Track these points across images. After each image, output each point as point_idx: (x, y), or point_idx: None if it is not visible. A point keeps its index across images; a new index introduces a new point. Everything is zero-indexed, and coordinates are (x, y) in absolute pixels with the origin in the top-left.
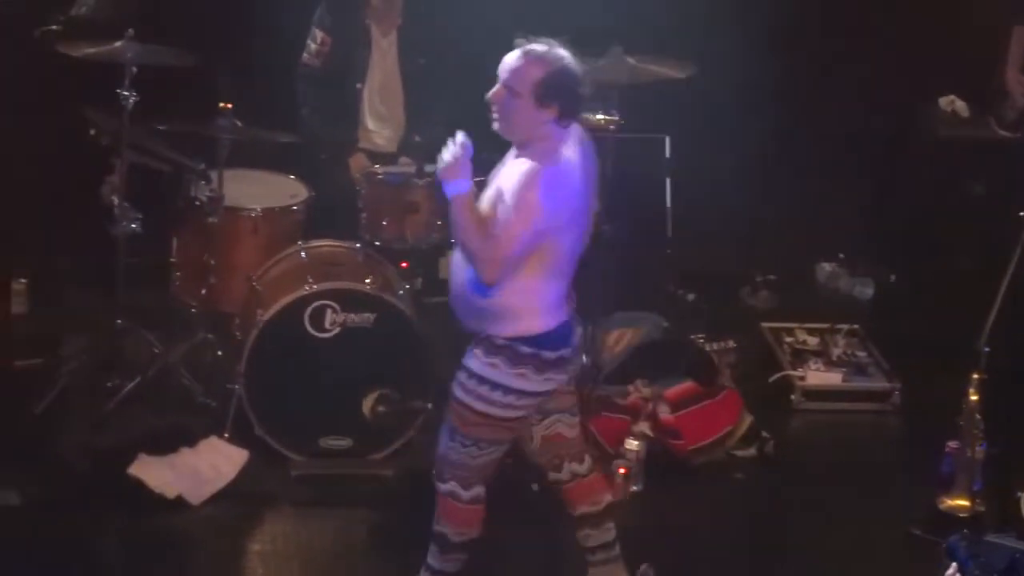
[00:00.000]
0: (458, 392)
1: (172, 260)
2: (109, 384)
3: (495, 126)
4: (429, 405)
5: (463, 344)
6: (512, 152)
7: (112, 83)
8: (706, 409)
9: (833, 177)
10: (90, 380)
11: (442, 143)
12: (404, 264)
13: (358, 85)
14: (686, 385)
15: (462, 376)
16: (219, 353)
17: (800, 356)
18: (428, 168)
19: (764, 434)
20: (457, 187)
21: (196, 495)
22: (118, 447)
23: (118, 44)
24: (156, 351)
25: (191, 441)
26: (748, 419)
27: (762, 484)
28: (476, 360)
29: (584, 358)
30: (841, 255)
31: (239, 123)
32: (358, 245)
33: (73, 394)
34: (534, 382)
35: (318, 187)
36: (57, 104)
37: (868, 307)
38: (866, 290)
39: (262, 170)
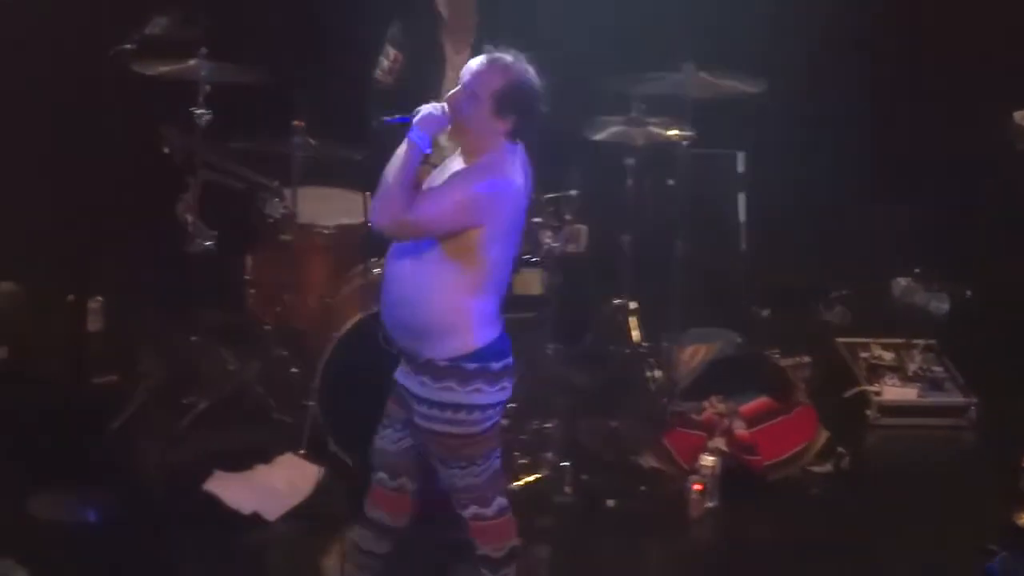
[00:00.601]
0: (427, 424)
1: (246, 277)
2: (185, 401)
3: (419, 136)
4: (504, 421)
5: (533, 360)
6: (455, 159)
7: (186, 101)
8: (782, 425)
9: (908, 191)
10: (166, 397)
11: None
12: None
13: (431, 102)
14: (761, 401)
15: (422, 408)
16: (293, 370)
17: (876, 371)
18: None
19: (840, 450)
20: (423, 138)
21: (271, 511)
22: (194, 464)
23: (192, 63)
24: (231, 368)
25: (266, 458)
26: (824, 435)
27: (838, 500)
28: (427, 388)
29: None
30: (917, 270)
31: (312, 140)
32: None
33: (149, 411)
34: (491, 394)
35: None
36: (131, 123)
37: (944, 322)
38: (942, 305)
39: (335, 187)
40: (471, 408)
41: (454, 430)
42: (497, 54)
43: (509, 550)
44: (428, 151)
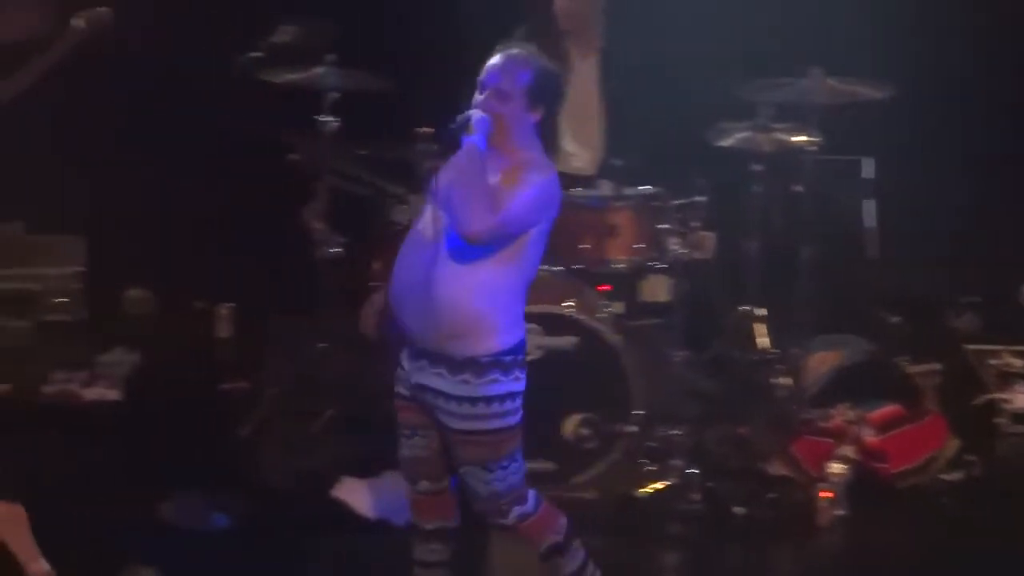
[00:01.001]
0: (468, 425)
1: (374, 284)
2: (313, 408)
3: (477, 139)
4: (631, 428)
5: (666, 367)
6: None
7: (313, 109)
8: (911, 432)
9: None
10: (294, 403)
11: (642, 167)
12: (604, 287)
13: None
14: (890, 408)
15: (463, 408)
16: None
17: (1006, 379)
18: (628, 191)
19: (970, 458)
20: (481, 140)
21: (399, 518)
22: (322, 470)
23: (318, 70)
24: (360, 374)
25: (395, 464)
26: (955, 443)
27: (968, 509)
28: (469, 386)
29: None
30: None
31: (438, 147)
32: (558, 268)
33: (277, 417)
34: (523, 381)
35: None
36: (259, 131)
37: None
38: None
39: None
40: (514, 396)
41: (501, 424)
42: (514, 50)
43: (566, 530)
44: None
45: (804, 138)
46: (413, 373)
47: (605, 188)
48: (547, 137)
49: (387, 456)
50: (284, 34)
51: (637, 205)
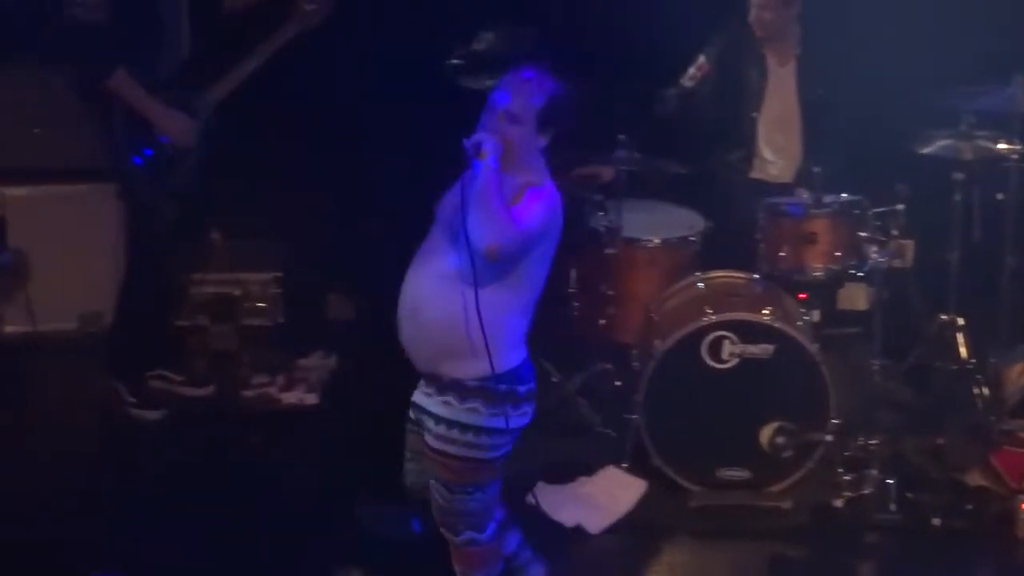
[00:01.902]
0: (442, 447)
1: (571, 291)
2: None
3: (490, 161)
4: (828, 437)
5: (863, 376)
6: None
7: None
8: None
9: None
10: None
11: (841, 173)
12: (802, 295)
13: (753, 114)
14: None
15: (440, 429)
16: (617, 383)
17: None
18: (827, 199)
19: None
20: (494, 160)
21: (594, 524)
22: (517, 475)
23: None
24: (555, 380)
25: (589, 470)
26: None
27: None
28: (451, 408)
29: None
30: None
31: (636, 154)
32: (756, 276)
33: None
34: (514, 418)
35: (716, 218)
36: (460, 137)
37: None
38: None
39: (660, 200)
40: (491, 432)
41: (471, 454)
42: (529, 73)
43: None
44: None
45: (1007, 146)
46: (415, 394)
47: (803, 196)
48: (747, 145)
49: (582, 463)
50: (484, 41)
51: (836, 213)
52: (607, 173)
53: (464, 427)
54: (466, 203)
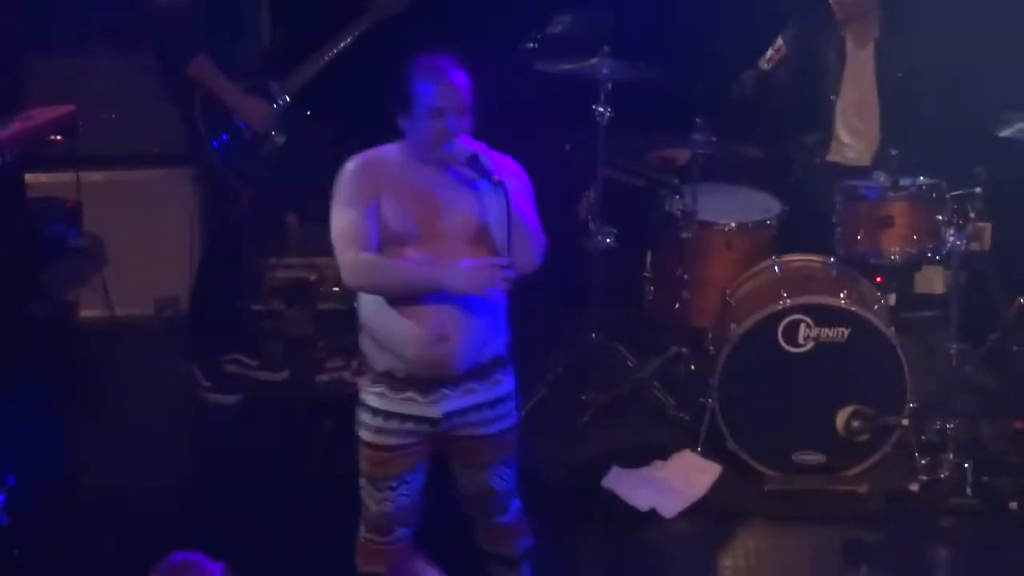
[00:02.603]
0: (503, 425)
1: (646, 274)
2: (583, 398)
3: (452, 150)
4: (904, 421)
5: (940, 359)
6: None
7: (588, 99)
8: None
9: None
10: (565, 394)
11: (919, 156)
12: (879, 279)
13: (832, 97)
14: None
15: (498, 410)
16: (692, 367)
17: None
18: (904, 182)
19: None
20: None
21: (669, 508)
22: (592, 460)
23: (594, 61)
24: (630, 365)
25: (664, 454)
26: None
27: None
28: (501, 384)
29: None
30: None
31: (713, 137)
32: (832, 260)
33: (549, 408)
34: None
35: (792, 201)
36: (535, 121)
37: None
38: None
39: (735, 184)
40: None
41: (517, 419)
42: (450, 64)
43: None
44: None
45: None
46: (428, 408)
47: (881, 179)
48: (824, 128)
49: (656, 446)
50: (560, 24)
51: (913, 196)
52: (683, 156)
53: (512, 395)
54: (508, 220)
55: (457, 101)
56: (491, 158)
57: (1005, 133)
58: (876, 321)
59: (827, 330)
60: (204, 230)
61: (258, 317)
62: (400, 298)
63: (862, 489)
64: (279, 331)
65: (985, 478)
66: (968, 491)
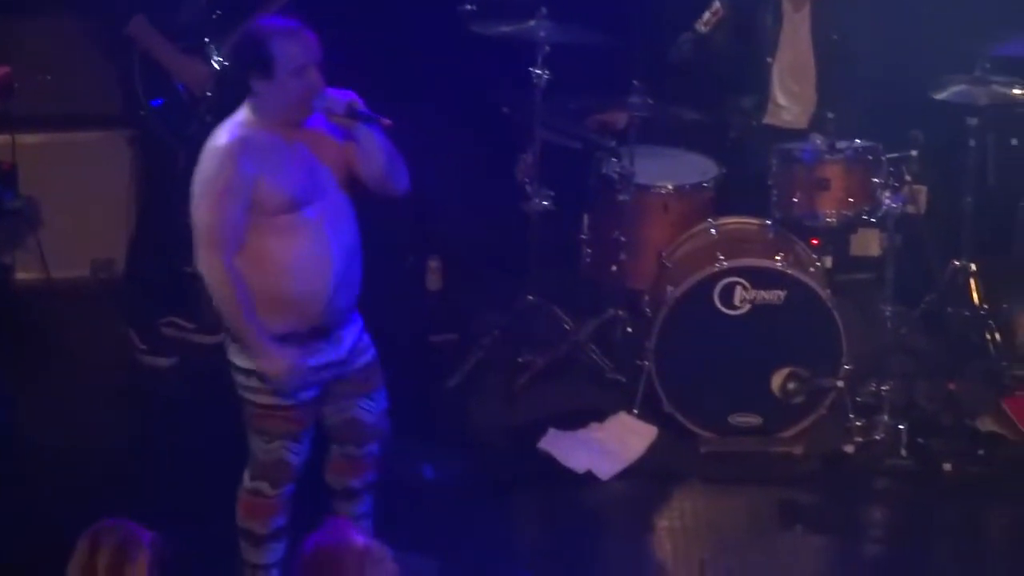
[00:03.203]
0: (373, 353)
1: (583, 237)
2: (520, 360)
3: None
4: (840, 383)
5: (876, 321)
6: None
7: (525, 62)
8: None
9: None
10: (502, 356)
11: (855, 119)
12: (815, 241)
13: (768, 59)
14: None
15: (367, 339)
16: (629, 329)
17: None
18: (840, 145)
19: None
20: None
21: (605, 470)
22: (529, 422)
23: (531, 23)
24: (567, 327)
25: (600, 417)
26: None
27: None
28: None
29: None
30: None
31: (650, 100)
32: (768, 222)
33: (485, 369)
34: None
35: (728, 164)
36: (471, 84)
37: None
38: None
39: (673, 147)
40: None
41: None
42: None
43: None
44: None
45: (1022, 91)
46: (328, 353)
47: (817, 142)
48: (761, 90)
49: (593, 409)
50: None
51: (849, 159)
52: (621, 119)
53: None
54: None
55: (316, 55)
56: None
57: (941, 96)
58: (812, 283)
59: (763, 292)
60: (141, 192)
61: (194, 280)
62: (295, 262)
63: (797, 451)
64: None
65: (919, 439)
66: (903, 452)
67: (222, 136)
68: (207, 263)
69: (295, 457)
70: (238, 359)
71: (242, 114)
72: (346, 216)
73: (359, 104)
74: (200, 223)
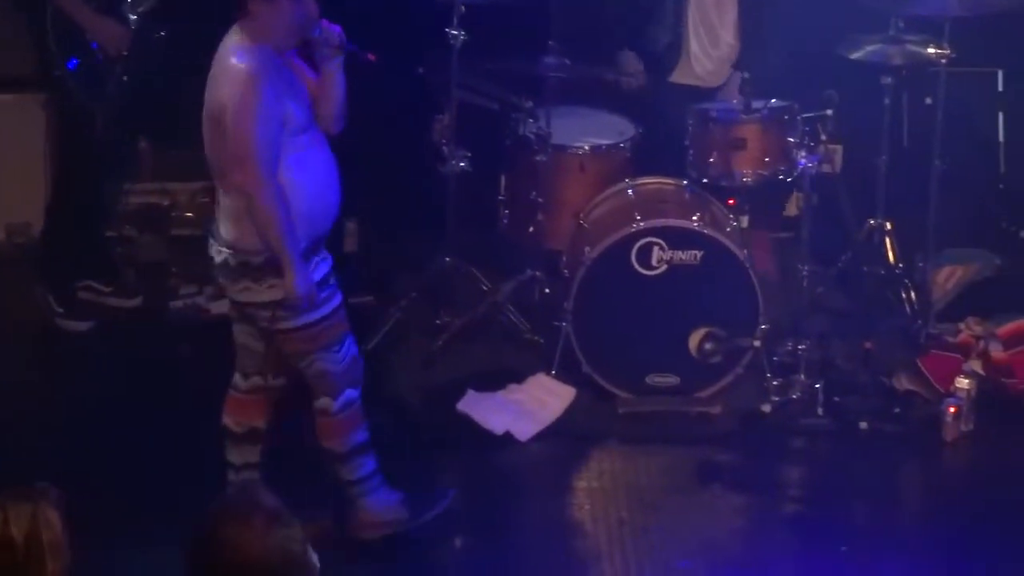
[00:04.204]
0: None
1: (500, 198)
2: (438, 321)
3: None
4: (757, 343)
5: (792, 281)
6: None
7: (442, 22)
8: None
9: None
10: (420, 318)
11: (770, 79)
12: (731, 201)
13: (684, 19)
14: (1019, 323)
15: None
16: (546, 290)
17: None
18: (755, 104)
19: None
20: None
21: (523, 431)
22: (447, 384)
23: None
24: (484, 288)
25: (519, 378)
26: None
27: None
28: None
29: None
30: None
31: (567, 61)
32: (685, 182)
33: (403, 332)
34: None
35: (645, 124)
36: (386, 44)
37: None
38: None
39: (590, 107)
40: None
41: None
42: None
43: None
44: None
45: (935, 50)
46: (322, 267)
47: (733, 101)
48: (676, 51)
49: (511, 370)
50: None
51: (765, 118)
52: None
53: None
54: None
55: None
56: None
57: (856, 55)
58: (729, 243)
59: (680, 253)
60: (56, 155)
61: (111, 243)
62: (311, 180)
63: (715, 410)
64: (132, 257)
65: (836, 398)
66: (819, 411)
67: (236, 58)
68: (256, 184)
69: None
70: (272, 294)
71: (235, 37)
72: (326, 141)
73: (342, 38)
74: (243, 146)
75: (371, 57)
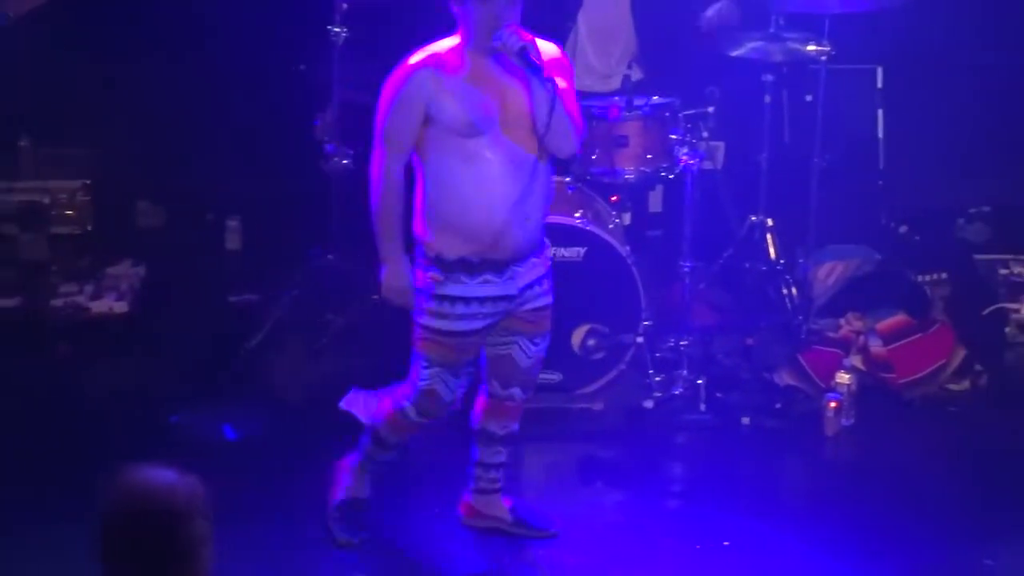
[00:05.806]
0: (549, 299)
1: None
2: (322, 319)
3: (501, 39)
4: (639, 339)
5: (673, 277)
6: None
7: (323, 19)
8: (918, 342)
9: None
10: (302, 316)
11: (652, 77)
12: (614, 198)
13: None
14: (898, 318)
15: (547, 284)
16: None
17: (1015, 289)
18: (637, 102)
19: (978, 368)
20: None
21: None
22: (331, 380)
23: None
24: (368, 287)
25: (403, 375)
26: (961, 352)
27: (976, 418)
28: (546, 258)
29: None
30: None
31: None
32: (568, 179)
33: (286, 329)
34: None
35: None
36: (269, 41)
37: None
38: None
39: None
40: None
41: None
42: None
43: None
44: None
45: (815, 47)
46: (498, 287)
47: (615, 99)
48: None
49: (395, 367)
50: None
51: (647, 116)
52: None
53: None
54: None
55: None
56: (538, 49)
57: (737, 52)
58: (611, 240)
59: (563, 249)
60: None
61: None
62: (475, 188)
63: (598, 407)
64: (12, 255)
65: (718, 394)
66: (702, 407)
67: (416, 54)
68: (374, 158)
69: (447, 392)
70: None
71: (450, 39)
72: (525, 163)
73: (531, 48)
74: (376, 124)
75: (545, 76)
